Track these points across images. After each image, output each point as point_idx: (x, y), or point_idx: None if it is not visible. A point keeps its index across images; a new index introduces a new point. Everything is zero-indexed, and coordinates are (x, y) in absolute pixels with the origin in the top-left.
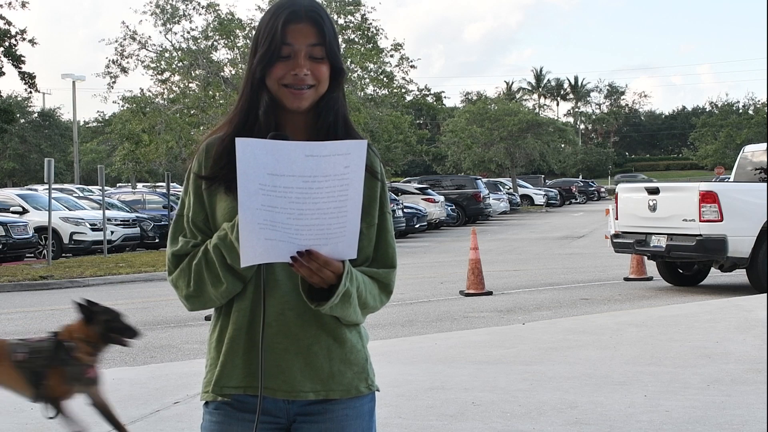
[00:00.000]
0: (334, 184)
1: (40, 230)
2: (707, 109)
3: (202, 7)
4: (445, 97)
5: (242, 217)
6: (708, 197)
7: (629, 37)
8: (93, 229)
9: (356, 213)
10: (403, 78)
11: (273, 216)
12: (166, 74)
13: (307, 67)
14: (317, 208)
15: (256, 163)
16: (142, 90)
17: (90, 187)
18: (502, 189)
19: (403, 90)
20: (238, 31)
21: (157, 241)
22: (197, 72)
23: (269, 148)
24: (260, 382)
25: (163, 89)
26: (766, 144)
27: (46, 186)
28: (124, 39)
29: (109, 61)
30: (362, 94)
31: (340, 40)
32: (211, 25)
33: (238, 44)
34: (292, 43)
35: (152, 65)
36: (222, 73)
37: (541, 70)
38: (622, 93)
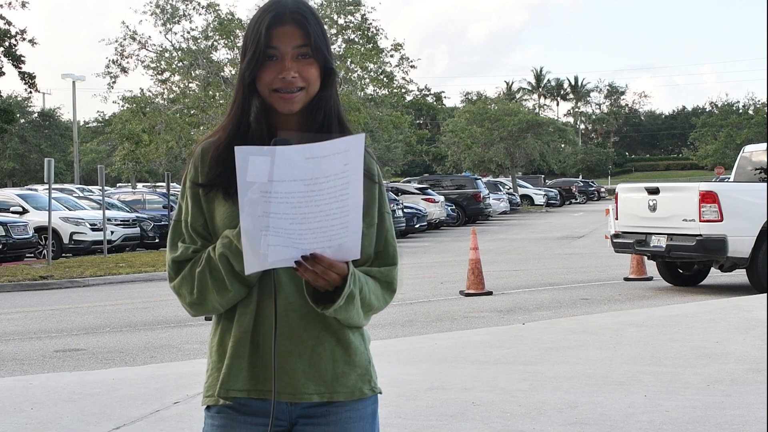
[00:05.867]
0: (335, 184)
1: (40, 230)
2: (707, 109)
3: (202, 7)
4: (445, 97)
5: (244, 225)
6: (708, 197)
7: (633, 36)
8: (93, 229)
9: (358, 211)
10: (403, 78)
11: (275, 222)
12: (166, 74)
13: (295, 69)
14: (320, 211)
15: (255, 170)
16: (142, 90)
17: (90, 187)
18: (502, 189)
19: (403, 90)
20: (238, 31)
21: (157, 241)
22: (197, 72)
23: (268, 155)
24: (273, 385)
25: (163, 89)
26: (766, 144)
27: (46, 186)
28: (124, 39)
29: (109, 61)
30: (362, 94)
31: (340, 40)
32: (211, 25)
33: (238, 44)
34: (277, 46)
35: (152, 65)
36: (222, 73)
37: (541, 70)
38: (622, 93)
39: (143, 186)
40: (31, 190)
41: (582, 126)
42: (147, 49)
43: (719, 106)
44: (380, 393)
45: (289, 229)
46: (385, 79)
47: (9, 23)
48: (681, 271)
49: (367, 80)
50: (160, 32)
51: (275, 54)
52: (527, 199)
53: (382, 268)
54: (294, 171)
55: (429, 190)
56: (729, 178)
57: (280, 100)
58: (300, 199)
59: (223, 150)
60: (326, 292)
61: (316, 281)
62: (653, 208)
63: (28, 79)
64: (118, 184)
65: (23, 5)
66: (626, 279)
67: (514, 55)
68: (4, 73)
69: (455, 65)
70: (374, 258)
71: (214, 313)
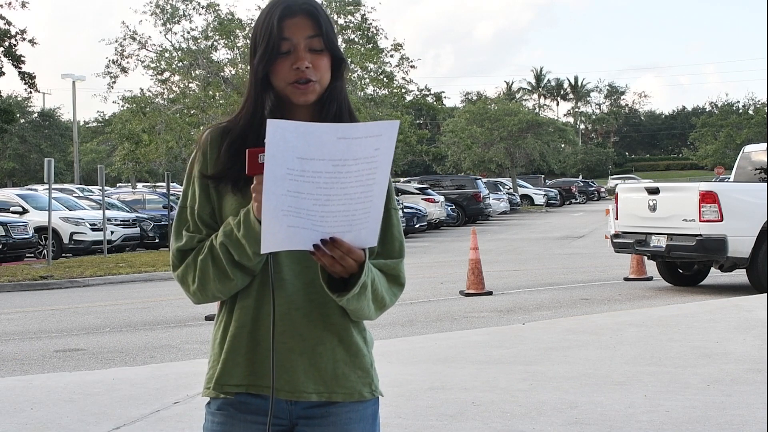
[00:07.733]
0: (363, 168)
1: (40, 230)
2: (707, 109)
3: (202, 7)
4: (445, 97)
5: (266, 202)
6: (708, 197)
7: (639, 36)
8: (93, 229)
9: (381, 198)
10: (403, 78)
11: (298, 202)
12: (166, 74)
13: (308, 59)
14: (344, 194)
15: (285, 146)
16: (142, 90)
17: (90, 187)
18: (502, 189)
19: (403, 90)
20: (238, 31)
21: (157, 241)
22: (197, 72)
23: (301, 131)
24: (272, 382)
25: (163, 89)
26: (766, 144)
27: (46, 186)
28: (124, 39)
29: (109, 61)
30: (362, 94)
31: (339, 40)
32: (211, 25)
33: (238, 44)
34: (290, 37)
35: (152, 65)
36: (222, 73)
37: (541, 70)
38: (622, 93)
39: (143, 186)
40: (31, 190)
41: (582, 126)
42: (147, 49)
43: (719, 106)
44: (381, 396)
45: (312, 210)
46: (385, 79)
47: (9, 23)
48: (681, 271)
49: (367, 80)
50: (160, 32)
51: (288, 47)
52: (527, 199)
53: (389, 260)
54: (324, 149)
55: (429, 190)
56: (729, 178)
57: (297, 91)
58: (326, 180)
59: (236, 143)
60: (340, 280)
61: (332, 267)
62: (653, 208)
63: (28, 79)
64: (118, 184)
65: (23, 5)
66: (626, 279)
67: (520, 54)
68: (4, 73)
69: (461, 65)
70: (379, 252)
71: (217, 300)
